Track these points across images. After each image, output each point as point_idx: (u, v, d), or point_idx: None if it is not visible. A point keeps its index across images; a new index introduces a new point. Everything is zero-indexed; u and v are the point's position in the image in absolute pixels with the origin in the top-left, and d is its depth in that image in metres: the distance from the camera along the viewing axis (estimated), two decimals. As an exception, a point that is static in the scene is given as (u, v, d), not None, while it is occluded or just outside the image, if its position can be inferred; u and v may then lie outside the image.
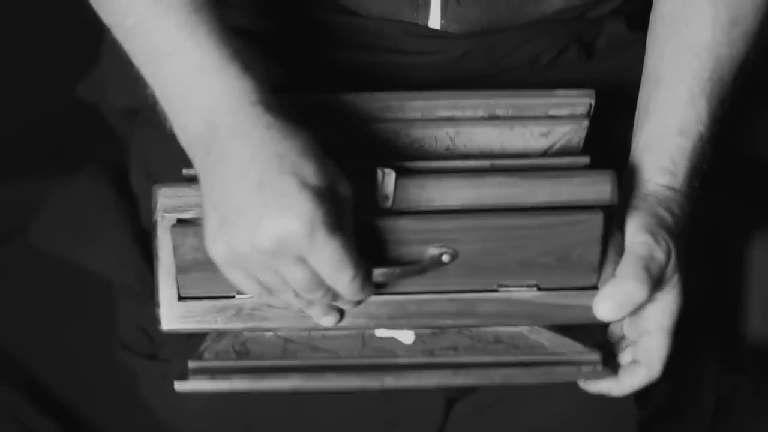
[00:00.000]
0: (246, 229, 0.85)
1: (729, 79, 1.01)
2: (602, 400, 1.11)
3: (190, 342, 1.01)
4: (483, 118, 0.98)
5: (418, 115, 0.97)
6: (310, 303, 0.93)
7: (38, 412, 1.26)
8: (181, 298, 0.95)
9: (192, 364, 0.95)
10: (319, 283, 0.88)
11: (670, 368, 1.03)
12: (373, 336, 0.98)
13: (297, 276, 0.87)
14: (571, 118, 0.98)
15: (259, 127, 0.87)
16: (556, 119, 0.98)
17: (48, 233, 1.24)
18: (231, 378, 0.94)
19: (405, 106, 0.97)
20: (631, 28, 1.12)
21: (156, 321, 0.96)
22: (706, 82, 0.99)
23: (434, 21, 1.08)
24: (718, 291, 1.20)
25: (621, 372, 0.98)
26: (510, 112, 0.98)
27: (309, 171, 0.86)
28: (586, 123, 0.98)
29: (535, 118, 0.98)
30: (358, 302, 0.95)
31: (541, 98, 0.97)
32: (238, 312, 0.95)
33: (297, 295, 0.90)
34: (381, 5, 1.08)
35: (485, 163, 0.95)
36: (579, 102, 0.97)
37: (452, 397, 1.13)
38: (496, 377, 0.95)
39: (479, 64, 1.11)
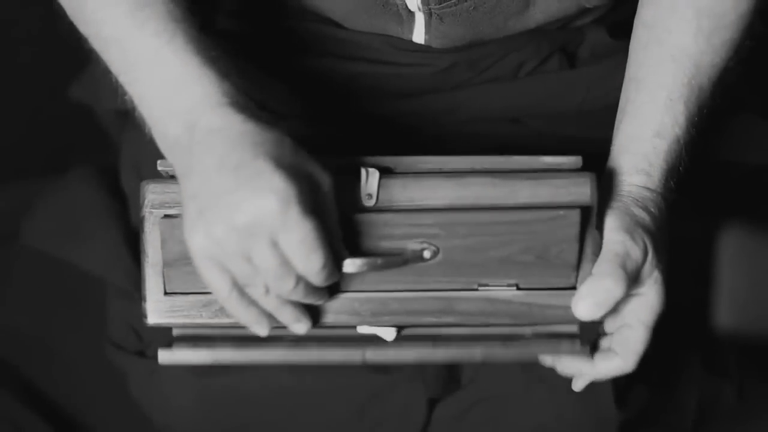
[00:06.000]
0: (224, 210, 0.86)
1: (708, 86, 1.02)
2: (583, 403, 1.12)
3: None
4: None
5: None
6: (280, 306, 0.92)
7: (30, 412, 1.27)
8: (167, 293, 0.96)
9: (176, 331, 0.97)
10: (289, 270, 0.88)
11: (649, 371, 1.04)
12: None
13: (268, 261, 0.87)
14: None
15: (236, 123, 0.89)
16: None
17: (39, 232, 1.25)
18: (214, 348, 0.96)
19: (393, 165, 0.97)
20: (613, 36, 1.14)
21: (143, 316, 0.97)
22: (685, 88, 1.00)
23: (419, 36, 1.09)
24: (691, 293, 1.21)
25: (596, 356, 0.99)
26: None
27: (284, 154, 0.88)
28: None
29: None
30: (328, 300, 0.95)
31: (528, 164, 0.97)
32: (223, 307, 0.96)
33: (267, 291, 0.90)
34: (367, 20, 1.09)
35: (467, 162, 0.96)
36: (566, 167, 0.97)
37: (434, 397, 1.15)
38: (477, 354, 0.97)
39: (464, 75, 1.12)
